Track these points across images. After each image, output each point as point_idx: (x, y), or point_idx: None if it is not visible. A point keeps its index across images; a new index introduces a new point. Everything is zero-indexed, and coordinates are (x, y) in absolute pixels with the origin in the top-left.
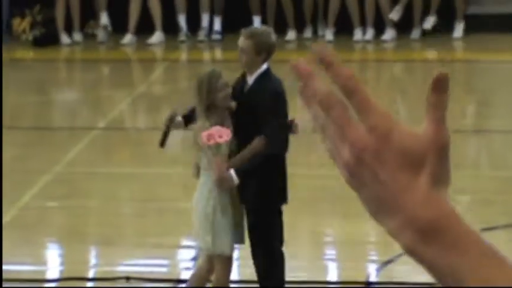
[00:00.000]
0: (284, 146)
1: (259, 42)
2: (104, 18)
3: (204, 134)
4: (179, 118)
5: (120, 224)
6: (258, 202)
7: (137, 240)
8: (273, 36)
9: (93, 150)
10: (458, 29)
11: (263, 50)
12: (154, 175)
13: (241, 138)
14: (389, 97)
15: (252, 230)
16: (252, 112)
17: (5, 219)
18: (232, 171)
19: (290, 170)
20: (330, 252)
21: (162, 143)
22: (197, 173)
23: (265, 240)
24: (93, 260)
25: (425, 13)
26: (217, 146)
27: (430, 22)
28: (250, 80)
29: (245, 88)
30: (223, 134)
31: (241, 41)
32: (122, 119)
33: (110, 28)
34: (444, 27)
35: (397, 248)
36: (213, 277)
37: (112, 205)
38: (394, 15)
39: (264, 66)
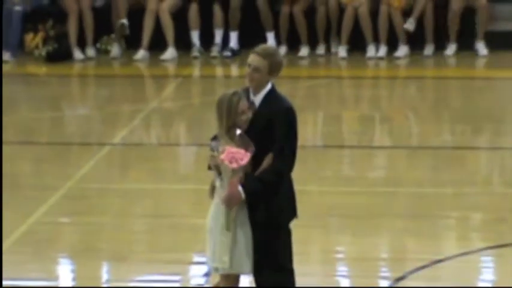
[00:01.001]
0: (293, 165)
1: (274, 62)
2: (122, 20)
3: (225, 157)
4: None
5: (133, 240)
6: (267, 217)
7: (149, 256)
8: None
9: (106, 166)
10: (481, 48)
11: (276, 70)
12: (167, 191)
13: (252, 160)
14: (402, 114)
15: (262, 247)
16: (264, 131)
17: (17, 234)
18: (240, 188)
19: (301, 187)
20: (342, 269)
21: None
22: (212, 193)
23: (275, 258)
24: (105, 276)
25: (444, 37)
26: (238, 168)
27: (452, 49)
28: (257, 99)
29: (252, 107)
30: (244, 157)
31: (256, 60)
32: (135, 134)
33: (127, 31)
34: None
35: (409, 264)
36: None
37: (124, 221)
38: (409, 25)
39: (270, 85)
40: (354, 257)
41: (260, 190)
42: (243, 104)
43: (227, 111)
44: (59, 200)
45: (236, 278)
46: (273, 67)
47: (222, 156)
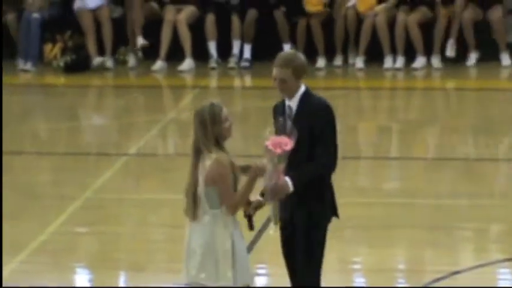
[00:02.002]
0: (337, 160)
1: (297, 66)
2: (141, 40)
3: (270, 143)
4: (259, 198)
5: (150, 249)
6: (311, 218)
7: (167, 266)
8: (302, 55)
9: (123, 176)
10: (505, 58)
11: (302, 72)
12: (184, 202)
13: (294, 160)
14: (420, 125)
15: (301, 248)
16: (305, 130)
17: (35, 244)
18: (288, 179)
19: None
20: (359, 280)
21: (251, 227)
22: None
23: (312, 258)
24: (122, 286)
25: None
26: (282, 154)
27: (472, 59)
28: (293, 102)
29: (289, 113)
30: (288, 143)
31: (279, 72)
32: (152, 145)
33: (147, 44)
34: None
35: (426, 276)
36: None
37: (142, 231)
38: (450, 52)
39: (303, 86)
40: (371, 268)
41: (306, 182)
42: (225, 111)
43: (211, 120)
44: (76, 209)
45: None
46: (298, 71)
47: (268, 142)
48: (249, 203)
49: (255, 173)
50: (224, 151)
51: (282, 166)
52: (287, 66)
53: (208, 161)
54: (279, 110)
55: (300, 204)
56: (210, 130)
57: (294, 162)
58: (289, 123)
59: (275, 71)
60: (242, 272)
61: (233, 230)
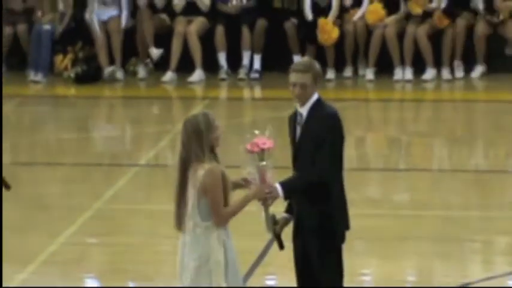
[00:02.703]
0: (338, 168)
1: (316, 72)
2: (154, 51)
3: (248, 144)
4: (284, 215)
5: (160, 260)
6: (318, 225)
7: (175, 277)
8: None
9: (133, 187)
10: None
11: (319, 79)
12: None
13: (298, 167)
14: (429, 137)
15: (315, 257)
16: (314, 138)
17: (45, 255)
18: (278, 185)
19: None
20: None
21: (281, 246)
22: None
23: (331, 271)
24: None
25: (472, 61)
26: (261, 153)
27: (478, 72)
28: (304, 109)
29: (300, 120)
30: (266, 142)
31: (300, 76)
32: (162, 156)
33: (162, 53)
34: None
35: None
36: None
37: (151, 242)
38: (457, 72)
39: (316, 94)
40: (381, 279)
41: (299, 189)
42: (216, 122)
43: (206, 128)
44: (86, 220)
45: None
46: (317, 77)
47: (246, 145)
48: (275, 222)
49: (253, 195)
50: (217, 160)
51: (265, 169)
52: (308, 71)
53: (200, 171)
54: (292, 120)
55: (310, 213)
56: (205, 139)
57: (297, 170)
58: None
59: (295, 77)
60: (234, 281)
61: (226, 240)
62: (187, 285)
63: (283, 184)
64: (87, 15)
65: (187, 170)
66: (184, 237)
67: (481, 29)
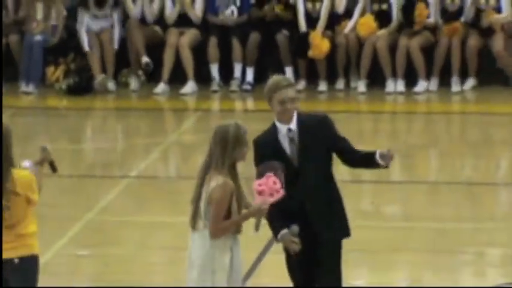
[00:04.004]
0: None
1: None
2: (145, 58)
3: (258, 187)
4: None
5: (151, 271)
6: (334, 235)
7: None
8: None
9: (125, 199)
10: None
11: None
12: (185, 224)
13: (308, 182)
14: (421, 149)
15: (323, 265)
16: (318, 145)
17: None
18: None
19: None
20: None
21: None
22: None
23: (336, 275)
24: None
25: (464, 75)
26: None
27: (469, 84)
28: (293, 125)
29: (292, 135)
30: (274, 194)
31: (293, 91)
32: (154, 167)
33: (151, 67)
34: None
35: None
36: None
37: (143, 253)
38: (455, 87)
39: None
40: None
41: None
42: (246, 134)
43: (234, 141)
44: (78, 232)
45: None
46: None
47: (261, 188)
48: None
49: (250, 214)
50: (235, 175)
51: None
52: (295, 84)
53: (214, 182)
54: (273, 140)
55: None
56: (230, 151)
57: (307, 181)
58: (276, 163)
59: (289, 91)
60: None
61: (233, 245)
62: (192, 283)
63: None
64: (80, 27)
65: (206, 175)
66: (193, 234)
67: (473, 42)
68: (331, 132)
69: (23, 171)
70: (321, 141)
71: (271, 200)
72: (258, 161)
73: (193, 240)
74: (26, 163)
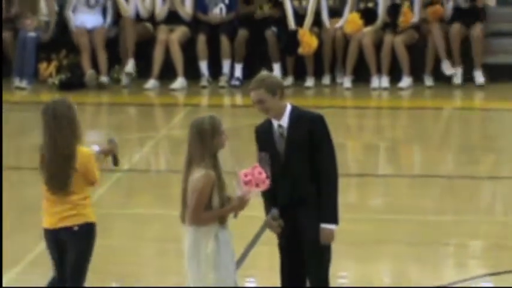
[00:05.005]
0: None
1: (269, 85)
2: (130, 66)
3: (244, 177)
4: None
5: (142, 263)
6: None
7: (158, 279)
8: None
9: (116, 192)
10: (478, 77)
11: (276, 89)
12: (175, 217)
13: (294, 175)
14: (405, 143)
15: (313, 260)
16: (303, 143)
17: (31, 256)
18: (324, 225)
19: None
20: None
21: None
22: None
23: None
24: None
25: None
26: (249, 191)
27: (459, 78)
28: (284, 121)
29: (282, 131)
30: (260, 184)
31: (253, 94)
32: (145, 161)
33: (134, 75)
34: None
35: None
36: None
37: (134, 245)
38: (447, 70)
39: (288, 105)
40: (357, 282)
41: (335, 199)
42: (222, 127)
43: (212, 132)
44: None
45: None
46: (271, 89)
47: (248, 178)
48: None
49: (233, 208)
50: (217, 164)
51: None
52: (259, 87)
53: (197, 174)
54: (266, 132)
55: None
56: (209, 142)
57: (292, 177)
58: (262, 154)
59: (251, 95)
60: (226, 275)
61: (219, 234)
62: (186, 273)
63: (327, 218)
64: (72, 24)
65: (190, 170)
66: (184, 227)
67: (456, 31)
68: (316, 135)
69: (85, 148)
70: (308, 138)
71: (258, 190)
72: (258, 148)
73: (185, 233)
74: (95, 147)
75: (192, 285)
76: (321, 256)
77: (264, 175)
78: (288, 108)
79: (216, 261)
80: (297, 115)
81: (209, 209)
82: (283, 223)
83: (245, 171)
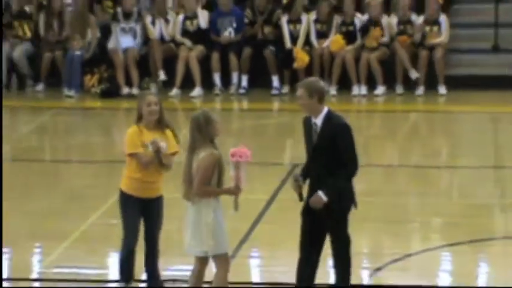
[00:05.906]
0: (358, 168)
1: (310, 88)
2: (162, 75)
3: (232, 150)
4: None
5: (167, 238)
6: (337, 206)
7: (180, 251)
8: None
9: None
10: (441, 89)
11: (315, 94)
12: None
13: (320, 166)
14: (379, 140)
15: (332, 229)
16: (329, 145)
17: (77, 233)
18: (321, 193)
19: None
20: (331, 261)
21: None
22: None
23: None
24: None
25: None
26: (237, 163)
27: (421, 90)
28: (318, 121)
29: (315, 128)
30: (242, 155)
31: (298, 91)
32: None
33: (165, 79)
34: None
35: (385, 258)
36: (214, 276)
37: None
38: (413, 74)
39: (325, 108)
40: None
41: (336, 194)
42: (214, 115)
43: (205, 122)
44: (109, 206)
45: (208, 260)
46: (310, 91)
47: (235, 149)
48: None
49: (229, 191)
50: (215, 147)
51: (239, 172)
52: (302, 86)
53: (203, 153)
54: (307, 123)
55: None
56: (205, 130)
57: (317, 169)
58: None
59: (297, 91)
60: (221, 242)
61: (216, 208)
62: (187, 242)
63: (326, 193)
64: (110, 44)
65: (192, 155)
66: (189, 206)
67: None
68: (338, 140)
69: (131, 128)
70: (332, 142)
71: (241, 160)
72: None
73: (189, 210)
74: (163, 144)
75: (198, 249)
76: (340, 218)
77: (246, 149)
78: (325, 110)
79: (214, 229)
80: (328, 118)
81: (209, 185)
82: (310, 190)
83: (234, 149)
